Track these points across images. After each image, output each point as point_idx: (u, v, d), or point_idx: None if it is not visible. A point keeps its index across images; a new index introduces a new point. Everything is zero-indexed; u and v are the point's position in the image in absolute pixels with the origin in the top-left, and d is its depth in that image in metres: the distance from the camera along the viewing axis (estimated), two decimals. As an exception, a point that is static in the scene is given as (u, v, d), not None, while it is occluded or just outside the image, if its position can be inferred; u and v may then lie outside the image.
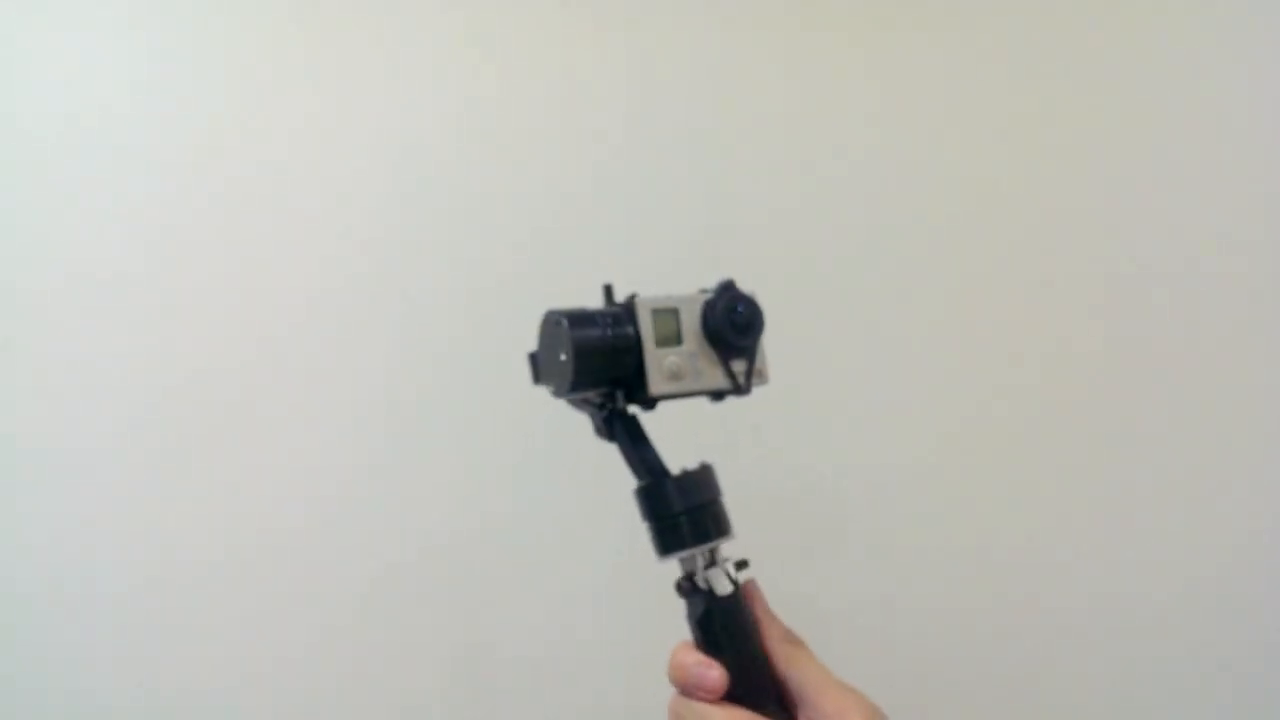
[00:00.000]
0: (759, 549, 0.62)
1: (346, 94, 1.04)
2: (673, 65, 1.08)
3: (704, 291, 0.61)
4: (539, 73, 1.06)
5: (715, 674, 0.54)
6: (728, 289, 0.62)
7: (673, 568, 0.59)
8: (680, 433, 0.65)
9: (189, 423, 0.98)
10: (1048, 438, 1.10)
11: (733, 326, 0.61)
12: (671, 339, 0.61)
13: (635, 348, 0.60)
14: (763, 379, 0.63)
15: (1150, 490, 1.09)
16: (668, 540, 0.58)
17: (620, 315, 0.61)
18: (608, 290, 0.62)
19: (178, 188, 1.00)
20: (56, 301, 0.97)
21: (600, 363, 0.59)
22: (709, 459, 0.61)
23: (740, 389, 0.62)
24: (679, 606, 0.59)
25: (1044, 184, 1.12)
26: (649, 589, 0.62)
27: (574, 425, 0.66)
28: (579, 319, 0.60)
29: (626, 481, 0.60)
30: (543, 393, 0.64)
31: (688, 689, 0.55)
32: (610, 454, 0.61)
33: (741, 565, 0.61)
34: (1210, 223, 1.12)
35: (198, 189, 1.00)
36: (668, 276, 0.65)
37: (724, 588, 0.58)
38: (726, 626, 0.57)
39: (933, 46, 1.10)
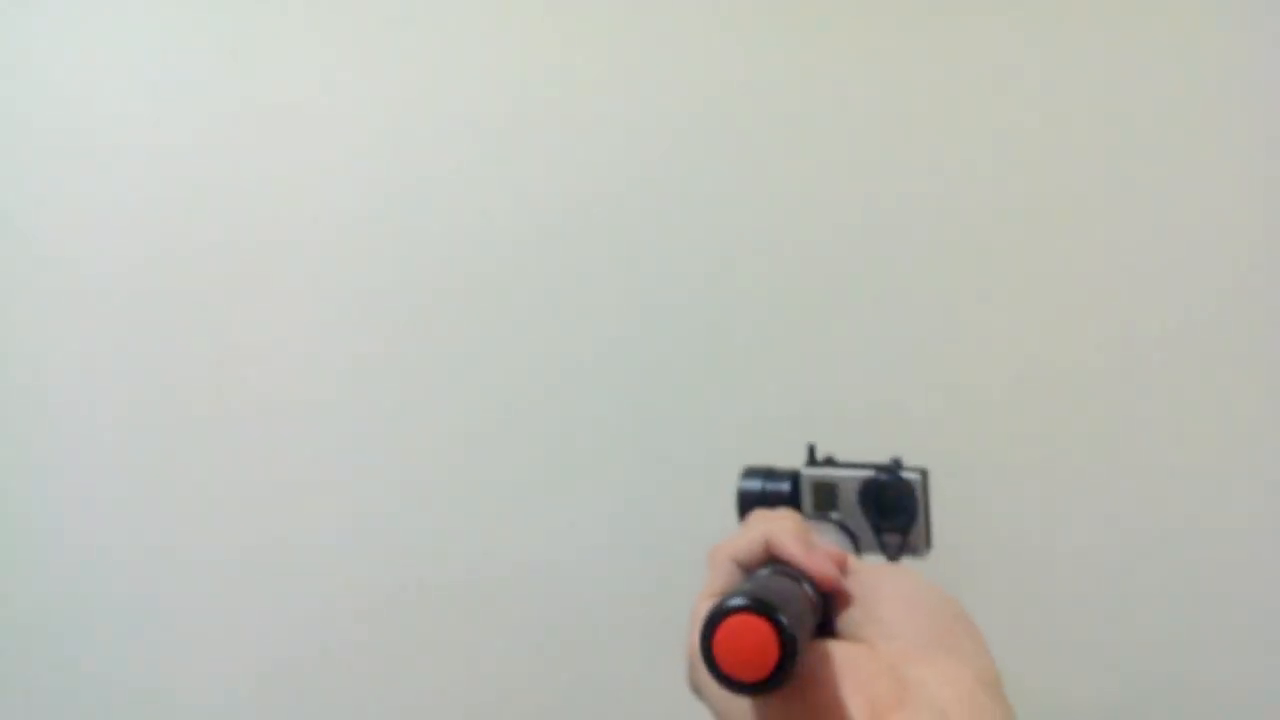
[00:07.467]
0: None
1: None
2: (683, 62, 1.13)
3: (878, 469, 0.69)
4: (547, 67, 1.14)
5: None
6: (882, 471, 0.74)
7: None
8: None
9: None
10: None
11: (878, 509, 0.73)
12: (827, 506, 0.75)
13: (791, 506, 0.74)
14: (916, 552, 0.72)
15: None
16: None
17: (786, 476, 0.76)
18: (810, 450, 0.77)
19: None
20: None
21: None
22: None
23: (887, 558, 0.73)
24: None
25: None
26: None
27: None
28: (752, 473, 0.76)
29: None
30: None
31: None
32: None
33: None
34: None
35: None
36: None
37: None
38: None
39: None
